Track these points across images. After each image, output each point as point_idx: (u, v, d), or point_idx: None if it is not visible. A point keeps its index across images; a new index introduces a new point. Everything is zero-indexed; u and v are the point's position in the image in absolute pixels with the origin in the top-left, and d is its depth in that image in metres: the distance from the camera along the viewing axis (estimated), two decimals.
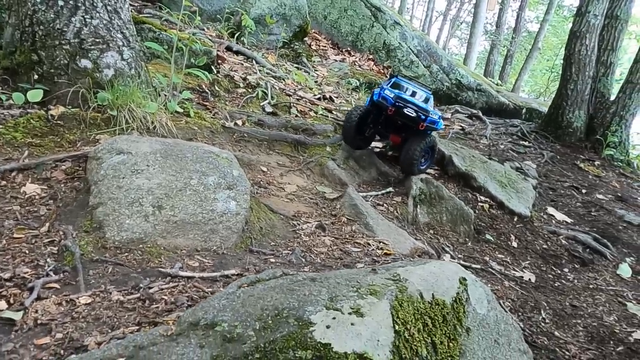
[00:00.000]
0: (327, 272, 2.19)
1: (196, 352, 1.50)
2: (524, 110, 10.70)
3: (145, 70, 4.03)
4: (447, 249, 4.04)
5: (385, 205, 4.22)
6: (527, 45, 20.24)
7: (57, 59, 3.50)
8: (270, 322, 1.66)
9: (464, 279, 2.55)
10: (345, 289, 1.96)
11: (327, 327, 1.67)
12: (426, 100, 4.73)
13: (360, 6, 10.11)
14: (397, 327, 1.85)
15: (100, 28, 3.65)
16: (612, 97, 8.83)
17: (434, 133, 5.09)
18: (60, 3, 3.47)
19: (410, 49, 10.10)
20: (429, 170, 5.25)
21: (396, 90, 4.60)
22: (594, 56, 8.67)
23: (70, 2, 3.50)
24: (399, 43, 10.06)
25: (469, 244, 4.37)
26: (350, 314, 1.78)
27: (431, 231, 4.28)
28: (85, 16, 3.57)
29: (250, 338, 1.59)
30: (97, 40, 3.62)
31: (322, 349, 1.58)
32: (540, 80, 21.42)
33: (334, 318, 1.72)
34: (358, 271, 2.29)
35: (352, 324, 1.72)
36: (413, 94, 4.75)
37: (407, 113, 4.34)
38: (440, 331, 2.17)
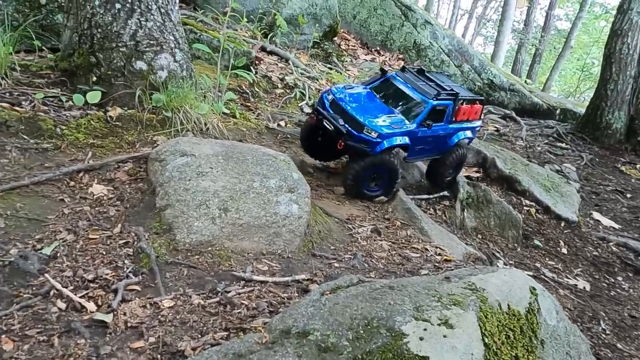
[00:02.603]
0: (402, 280, 2.15)
1: None
2: (558, 111, 10.41)
3: (194, 72, 4.07)
4: (497, 254, 3.95)
5: (432, 208, 4.15)
6: (555, 43, 19.68)
7: (114, 61, 3.56)
8: (362, 332, 1.63)
9: (534, 289, 2.47)
10: (427, 299, 1.92)
11: (421, 338, 1.64)
12: (412, 113, 3.69)
13: (390, 5, 9.99)
14: (486, 340, 1.80)
15: (154, 30, 3.69)
16: None
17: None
18: (118, 6, 3.52)
19: (441, 48, 9.94)
20: (472, 174, 5.14)
21: (353, 92, 3.79)
22: (636, 55, 8.34)
23: (127, 5, 3.54)
24: (430, 42, 9.91)
25: (518, 249, 4.26)
26: (439, 325, 1.74)
27: (479, 236, 4.19)
28: (141, 19, 3.61)
29: (345, 348, 1.56)
30: (152, 42, 3.67)
31: None
32: (570, 80, 20.79)
33: (425, 329, 1.68)
34: (431, 279, 2.24)
35: (444, 336, 1.68)
36: (390, 100, 3.80)
37: (326, 125, 3.58)
38: (520, 343, 2.10)
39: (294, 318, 1.69)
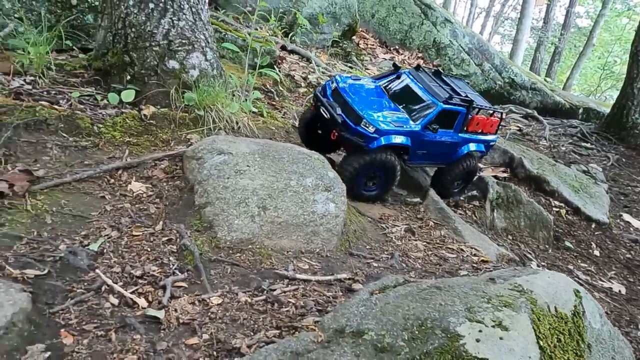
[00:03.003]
0: (447, 280, 2.12)
1: None
2: (580, 110, 10.20)
3: (224, 71, 4.09)
4: (529, 256, 3.88)
5: (462, 208, 4.10)
6: (575, 41, 19.26)
7: (147, 60, 3.60)
8: (417, 332, 1.61)
9: (578, 291, 2.42)
10: (477, 300, 1.89)
11: (477, 340, 1.61)
12: (418, 114, 3.49)
13: (410, 4, 9.91)
14: (541, 343, 1.76)
15: (186, 29, 3.72)
16: None
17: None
18: (151, 5, 3.56)
19: (461, 47, 9.82)
20: (500, 174, 5.07)
21: (358, 84, 3.61)
22: None
23: (160, 4, 3.58)
24: (450, 41, 9.80)
25: (550, 251, 4.18)
26: (493, 326, 1.71)
27: (510, 237, 4.12)
28: (173, 18, 3.64)
29: (402, 349, 1.54)
30: (184, 41, 3.69)
31: None
32: (590, 79, 20.32)
33: (480, 331, 1.65)
34: (476, 280, 2.21)
35: (500, 338, 1.65)
36: (398, 98, 3.60)
37: (322, 112, 3.41)
38: (569, 347, 2.06)
39: (346, 317, 1.68)
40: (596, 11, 17.01)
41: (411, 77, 3.76)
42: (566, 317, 2.17)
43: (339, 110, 3.33)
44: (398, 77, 3.82)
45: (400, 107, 3.58)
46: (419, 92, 3.62)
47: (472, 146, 3.86)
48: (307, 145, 3.90)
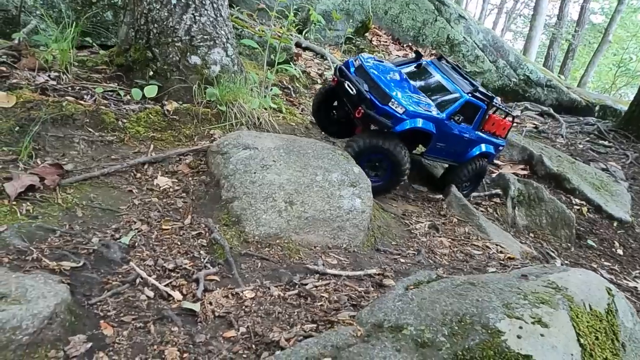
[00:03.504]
0: (480, 277, 2.10)
1: (397, 356, 1.45)
2: (597, 108, 10.03)
3: (244, 67, 4.09)
4: (552, 254, 3.83)
5: (483, 205, 4.05)
6: (590, 38, 18.94)
7: (170, 56, 3.61)
8: (456, 328, 1.59)
9: (610, 290, 2.37)
10: (513, 296, 1.86)
11: (518, 337, 1.59)
12: (443, 103, 3.36)
13: (423, 0, 9.82)
14: (581, 341, 1.73)
15: (208, 25, 3.72)
16: None
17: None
18: (173, 1, 3.56)
19: (476, 43, 9.71)
20: (519, 172, 5.01)
21: (382, 64, 3.43)
22: None
23: (182, 0, 3.58)
24: (464, 37, 9.69)
25: (572, 249, 4.12)
26: (533, 323, 1.68)
27: (531, 234, 4.07)
28: (195, 14, 3.65)
29: (443, 344, 1.53)
30: (205, 37, 3.70)
31: None
32: (605, 76, 19.97)
33: (520, 327, 1.63)
34: (508, 277, 2.18)
35: (541, 335, 1.62)
36: (420, 85, 3.43)
37: (347, 88, 3.18)
38: (606, 345, 2.02)
39: (384, 312, 1.66)
40: (611, 7, 16.71)
41: (434, 66, 3.66)
42: (601, 315, 2.13)
43: (365, 87, 3.14)
44: (419, 66, 3.70)
45: (423, 94, 3.45)
46: (444, 82, 3.52)
47: (484, 147, 3.75)
48: (322, 128, 3.77)
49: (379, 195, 3.59)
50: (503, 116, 3.87)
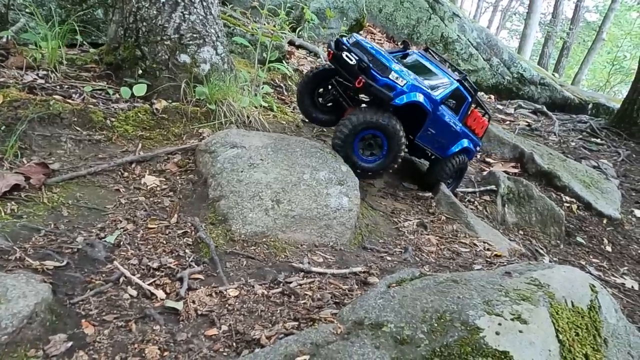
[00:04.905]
0: (464, 274, 2.11)
1: (375, 353, 1.47)
2: (590, 106, 10.08)
3: (234, 65, 4.08)
4: (541, 251, 3.86)
5: (472, 203, 4.08)
6: (584, 36, 19.02)
7: (159, 54, 3.60)
8: (436, 325, 1.61)
9: (594, 286, 2.39)
10: (495, 293, 1.88)
11: (497, 333, 1.60)
12: (435, 88, 3.29)
13: None
14: (560, 337, 1.75)
15: (197, 23, 3.71)
16: None
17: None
18: (162, 0, 3.56)
19: (469, 41, 9.73)
20: (510, 170, 5.03)
21: (375, 46, 3.36)
22: None
23: None
24: (458, 35, 9.71)
25: (561, 246, 4.15)
26: (512, 320, 1.70)
27: (521, 232, 4.09)
28: (184, 12, 3.64)
29: (422, 341, 1.54)
30: (195, 35, 3.69)
31: (502, 357, 1.51)
32: (599, 74, 20.07)
33: (499, 324, 1.65)
34: (491, 274, 2.19)
35: (520, 331, 1.64)
36: (413, 70, 3.31)
37: (345, 59, 3.06)
38: (587, 341, 2.05)
39: (365, 309, 1.68)
40: (605, 5, 16.77)
41: (422, 55, 3.67)
42: (583, 311, 2.15)
43: (365, 58, 3.06)
44: (406, 56, 3.68)
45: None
46: (433, 68, 3.51)
47: (467, 143, 3.74)
48: (307, 116, 3.71)
49: (377, 177, 3.56)
50: (482, 114, 3.88)
